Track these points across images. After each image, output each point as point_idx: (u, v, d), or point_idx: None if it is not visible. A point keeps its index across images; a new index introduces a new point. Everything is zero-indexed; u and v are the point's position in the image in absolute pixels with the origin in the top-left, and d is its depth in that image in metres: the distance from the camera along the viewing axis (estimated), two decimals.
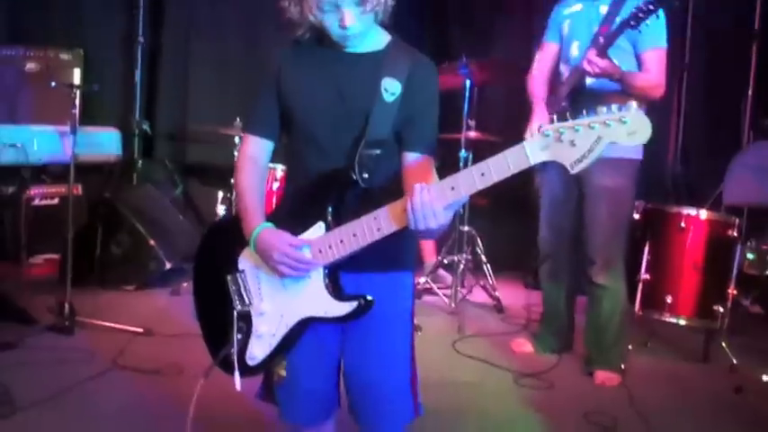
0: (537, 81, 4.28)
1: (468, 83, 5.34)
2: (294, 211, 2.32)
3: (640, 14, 3.59)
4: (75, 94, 4.29)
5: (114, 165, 5.83)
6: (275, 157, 2.46)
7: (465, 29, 6.85)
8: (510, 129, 5.91)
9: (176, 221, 5.97)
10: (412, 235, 2.16)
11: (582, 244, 4.10)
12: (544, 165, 1.95)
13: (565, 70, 4.10)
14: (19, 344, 4.06)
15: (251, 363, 2.34)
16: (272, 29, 6.42)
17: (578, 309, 4.43)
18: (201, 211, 6.62)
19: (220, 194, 5.55)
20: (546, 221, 4.28)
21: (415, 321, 4.64)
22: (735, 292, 4.33)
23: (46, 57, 6.13)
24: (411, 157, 2.29)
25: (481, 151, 5.37)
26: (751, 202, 4.95)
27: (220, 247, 2.46)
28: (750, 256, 4.79)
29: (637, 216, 4.44)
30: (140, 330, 4.35)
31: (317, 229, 2.22)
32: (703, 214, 4.34)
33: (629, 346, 4.29)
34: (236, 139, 5.26)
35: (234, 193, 5.11)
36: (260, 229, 2.26)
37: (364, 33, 2.24)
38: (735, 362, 4.28)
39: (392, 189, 2.24)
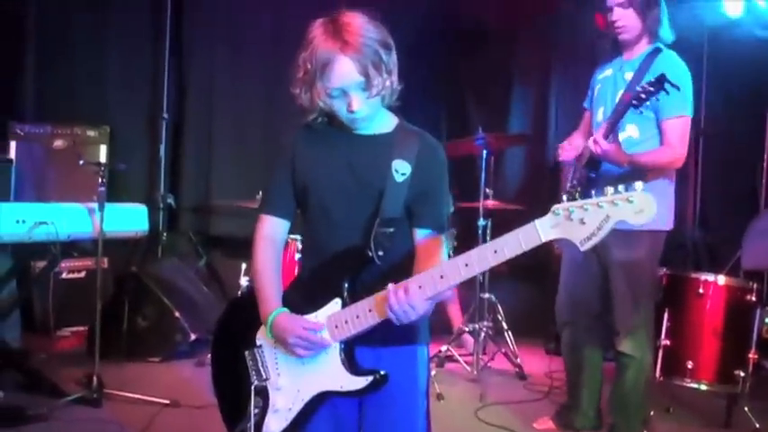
0: (568, 146, 4.19)
1: (484, 153, 5.44)
2: (311, 288, 2.40)
3: (642, 95, 3.56)
4: (104, 171, 4.41)
5: (140, 238, 5.96)
6: (296, 229, 2.55)
7: (480, 102, 6.99)
8: (527, 196, 6.04)
9: (201, 293, 6.05)
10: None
11: (606, 312, 4.07)
12: None
13: None
14: (49, 416, 4.12)
15: None
16: (291, 105, 6.64)
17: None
18: (225, 283, 6.72)
19: (243, 266, 5.62)
20: (564, 288, 4.23)
21: (438, 389, 4.73)
22: (755, 356, 4.32)
23: (72, 134, 6.32)
24: (421, 234, 2.38)
25: (499, 219, 5.46)
26: None
27: (239, 322, 2.53)
28: None
29: None
30: (167, 402, 4.40)
31: (334, 306, 2.30)
32: (721, 280, 4.36)
33: (651, 412, 4.28)
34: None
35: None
36: (275, 314, 2.35)
37: (372, 117, 2.34)
38: (757, 426, 4.27)
39: (406, 265, 2.32)
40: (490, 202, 5.56)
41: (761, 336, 4.47)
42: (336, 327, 2.28)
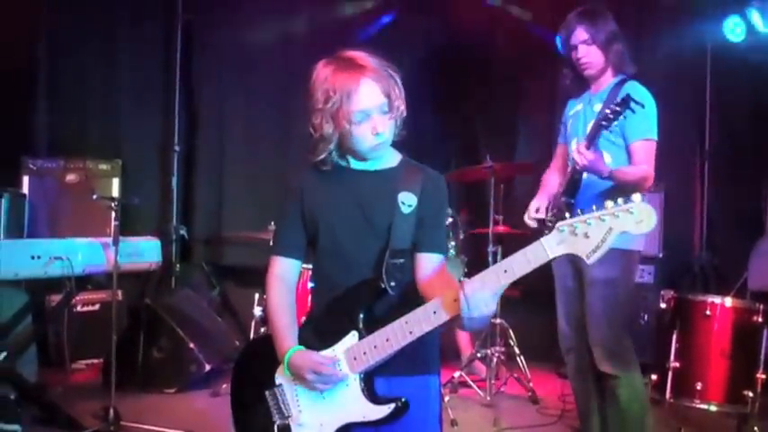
0: (548, 175, 4.34)
1: (492, 180, 5.50)
2: (325, 323, 2.46)
3: (610, 115, 3.63)
4: (117, 206, 4.49)
5: (153, 270, 6.02)
6: (308, 258, 2.61)
7: (489, 129, 7.05)
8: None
9: (215, 323, 6.11)
10: (434, 341, 2.34)
11: None
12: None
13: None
14: None
15: None
16: (302, 136, 6.72)
17: None
18: (238, 312, 6.78)
19: (257, 296, 5.68)
20: (561, 316, 4.20)
21: (452, 415, 4.75)
22: (764, 376, 4.34)
23: (85, 168, 6.41)
24: (428, 258, 2.44)
25: (510, 245, 5.51)
26: None
27: (256, 363, 2.59)
28: None
29: (663, 305, 4.52)
30: None
31: (351, 338, 2.36)
32: (728, 302, 4.39)
33: None
34: (272, 242, 5.41)
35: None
36: (292, 352, 2.40)
37: (387, 143, 2.42)
38: None
39: (415, 295, 2.39)
40: (500, 228, 5.63)
41: None
42: (355, 359, 2.34)
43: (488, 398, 5.34)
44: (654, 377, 4.43)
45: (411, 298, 2.37)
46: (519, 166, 6.53)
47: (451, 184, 4.76)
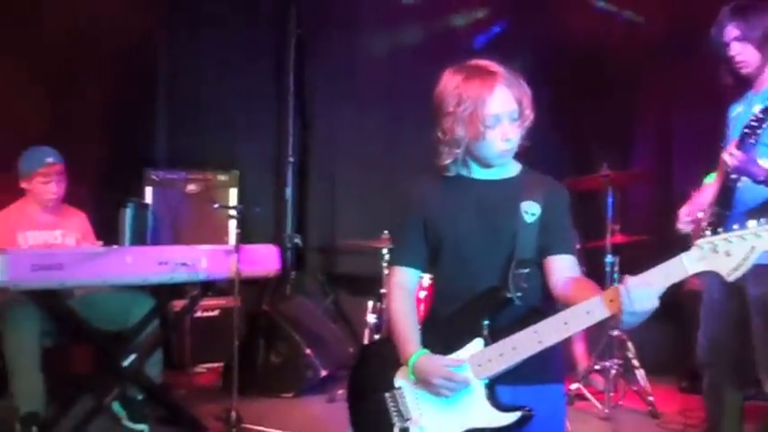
0: (685, 217, 3.99)
1: (610, 189, 5.40)
2: (448, 329, 2.46)
3: (753, 123, 3.43)
4: (239, 215, 4.61)
5: (270, 278, 6.14)
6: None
7: (601, 137, 6.93)
8: (653, 230, 5.93)
9: (329, 330, 6.20)
10: (559, 350, 2.33)
11: (746, 351, 3.88)
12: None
13: None
14: None
15: None
16: (415, 144, 6.76)
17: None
18: (351, 320, 6.84)
19: (370, 303, 5.73)
20: (704, 331, 3.99)
21: (569, 428, 4.66)
22: None
23: (204, 179, 6.60)
24: (561, 260, 2.43)
25: (627, 255, 5.41)
26: None
27: (374, 366, 2.62)
28: None
29: None
30: None
31: (476, 345, 2.37)
32: None
33: None
34: (384, 251, 5.46)
35: (384, 303, 5.36)
36: (416, 356, 2.40)
37: (512, 152, 2.42)
38: None
39: (539, 305, 2.40)
40: (618, 237, 5.52)
41: None
42: (480, 365, 2.34)
43: (606, 410, 5.23)
44: None
45: (536, 308, 2.38)
46: (636, 174, 6.41)
47: None
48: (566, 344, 2.50)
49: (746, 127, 3.48)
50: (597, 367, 5.59)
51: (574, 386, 5.48)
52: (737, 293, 3.74)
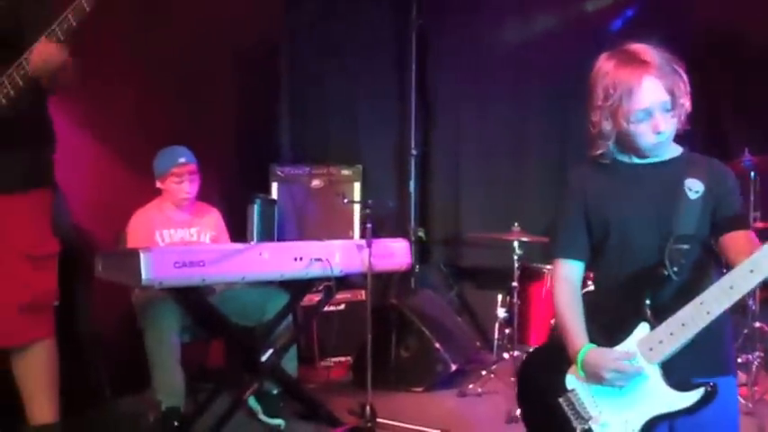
0: None
1: (752, 174, 5.19)
2: (612, 318, 2.42)
3: None
4: (370, 209, 4.62)
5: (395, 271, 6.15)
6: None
7: (740, 121, 6.66)
8: None
9: (456, 324, 6.16)
10: (730, 341, 2.30)
11: None
12: None
13: None
14: None
15: None
16: (542, 135, 6.68)
17: None
18: (477, 314, 6.79)
19: (500, 297, 5.67)
20: None
21: None
22: None
23: (328, 174, 6.63)
24: (737, 236, 2.33)
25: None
26: None
27: (543, 373, 2.58)
28: None
29: None
30: None
31: (642, 329, 2.31)
32: None
33: None
34: (515, 244, 5.38)
35: (514, 297, 5.29)
36: (585, 351, 2.37)
37: (669, 140, 2.34)
38: None
39: (700, 281, 2.30)
40: (759, 224, 5.30)
41: None
42: (651, 349, 2.28)
43: (750, 405, 5.02)
44: None
45: (697, 285, 2.27)
46: None
47: None
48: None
49: None
50: (739, 360, 5.38)
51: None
52: None
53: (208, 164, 4.86)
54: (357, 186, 6.63)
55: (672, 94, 2.29)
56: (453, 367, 5.51)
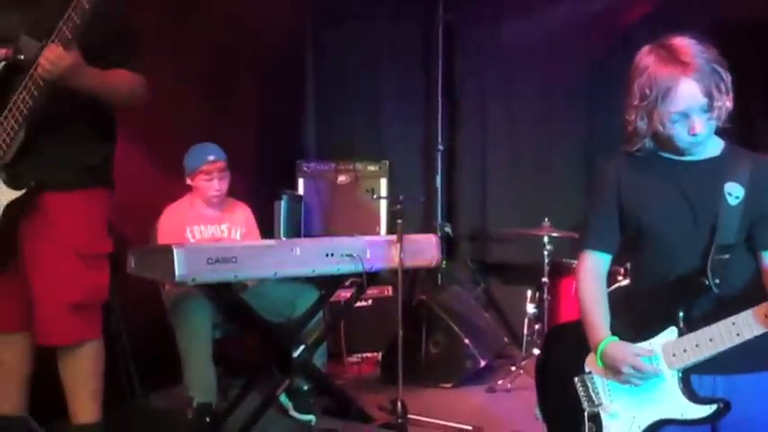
0: None
1: None
2: (642, 316, 2.40)
3: None
4: (401, 205, 4.63)
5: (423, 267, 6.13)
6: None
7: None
8: None
9: (484, 320, 6.15)
10: None
11: None
12: None
13: None
14: None
15: None
16: (569, 129, 6.63)
17: None
18: (504, 310, 6.77)
19: (528, 293, 5.66)
20: None
21: None
22: None
23: (354, 169, 6.63)
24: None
25: None
26: None
27: (566, 348, 2.59)
28: None
29: None
30: (470, 428, 4.48)
31: (670, 333, 2.30)
32: None
33: None
34: (545, 239, 5.36)
35: (544, 293, 5.26)
36: (606, 343, 2.36)
37: (707, 140, 2.30)
38: None
39: (745, 294, 2.28)
40: None
41: None
42: (674, 355, 2.27)
43: None
44: None
45: (737, 296, 2.26)
46: None
47: None
48: None
49: None
50: None
51: None
52: None
53: (234, 160, 4.86)
54: (383, 182, 6.63)
55: (710, 96, 2.22)
56: (482, 363, 5.51)
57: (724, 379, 2.30)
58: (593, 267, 2.53)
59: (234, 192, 4.99)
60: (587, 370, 2.47)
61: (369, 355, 6.00)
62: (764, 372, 2.32)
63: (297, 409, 4.64)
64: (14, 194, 3.21)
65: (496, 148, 6.97)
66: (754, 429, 2.30)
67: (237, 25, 5.85)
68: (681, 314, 2.29)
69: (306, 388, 4.65)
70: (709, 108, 2.23)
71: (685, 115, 2.24)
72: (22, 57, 3.12)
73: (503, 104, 6.96)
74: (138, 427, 3.89)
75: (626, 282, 4.42)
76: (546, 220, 5.44)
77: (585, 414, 2.44)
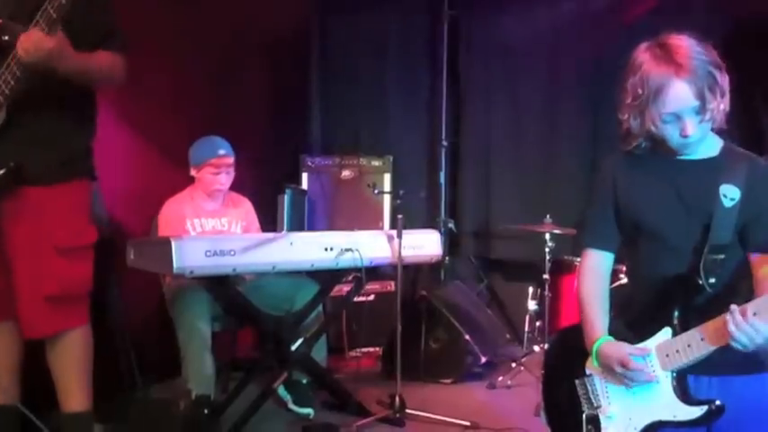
0: None
1: None
2: (639, 316, 2.40)
3: None
4: (401, 200, 4.62)
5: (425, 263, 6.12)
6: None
7: None
8: None
9: (486, 316, 6.13)
10: None
11: None
12: None
13: None
14: None
15: None
16: (574, 125, 6.61)
17: None
18: (507, 306, 6.77)
19: (530, 290, 5.64)
20: None
21: None
22: None
23: (358, 164, 6.62)
24: (757, 259, 2.29)
25: None
26: None
27: (570, 351, 2.57)
28: None
29: None
30: (467, 424, 4.46)
31: (664, 334, 2.29)
32: None
33: None
34: (547, 236, 5.35)
35: (545, 290, 5.25)
36: (600, 342, 2.37)
37: (701, 141, 2.28)
38: None
39: (738, 292, 2.27)
40: None
41: None
42: (667, 356, 2.26)
43: None
44: None
45: (732, 296, 2.24)
46: None
47: None
48: None
49: None
50: None
51: None
52: None
53: (239, 154, 4.87)
54: (387, 177, 6.62)
55: (702, 98, 2.17)
56: (483, 359, 5.49)
57: (719, 380, 2.29)
58: (594, 266, 2.53)
59: (238, 185, 5.00)
60: (588, 372, 2.48)
61: (370, 349, 6.00)
62: (759, 374, 2.32)
63: (296, 402, 4.67)
64: None
65: (501, 144, 6.95)
66: (749, 431, 2.28)
67: (244, 19, 5.86)
68: (676, 314, 2.28)
69: (305, 381, 4.68)
70: (702, 110, 2.20)
71: (677, 116, 2.21)
72: (6, 38, 3.12)
73: (507, 101, 6.93)
74: (133, 417, 3.90)
75: (626, 280, 4.40)
76: (548, 216, 5.41)
77: (584, 416, 2.45)
